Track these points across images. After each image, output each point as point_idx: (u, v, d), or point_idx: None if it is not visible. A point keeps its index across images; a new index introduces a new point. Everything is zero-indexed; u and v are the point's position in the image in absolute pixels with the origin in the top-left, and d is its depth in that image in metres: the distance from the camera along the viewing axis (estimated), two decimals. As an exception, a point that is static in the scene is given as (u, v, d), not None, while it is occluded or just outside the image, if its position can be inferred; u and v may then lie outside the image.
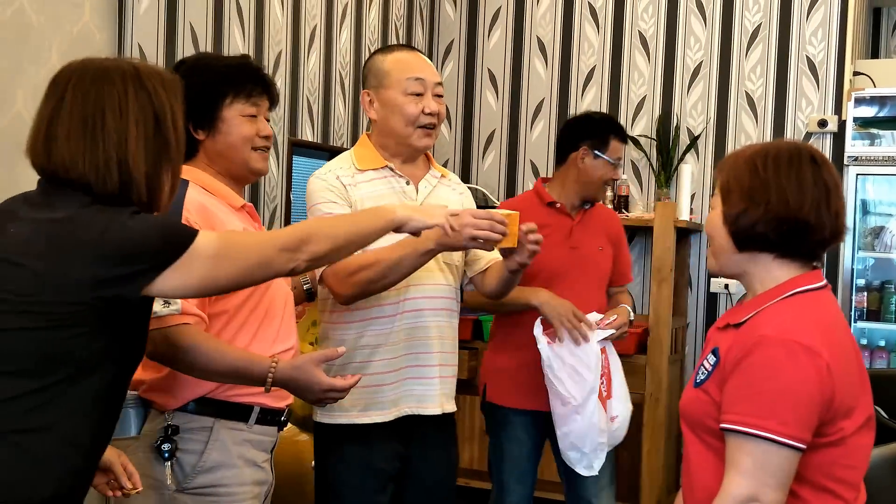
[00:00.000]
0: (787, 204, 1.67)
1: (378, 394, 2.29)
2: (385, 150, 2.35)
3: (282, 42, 3.80)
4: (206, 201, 1.94)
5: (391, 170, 2.33)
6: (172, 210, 1.84)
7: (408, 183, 2.34)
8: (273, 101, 2.10)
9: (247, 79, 2.03)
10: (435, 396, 2.33)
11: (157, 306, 1.77)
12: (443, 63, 5.06)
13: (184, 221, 1.84)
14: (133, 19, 3.05)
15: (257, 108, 2.03)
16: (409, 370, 2.31)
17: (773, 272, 1.72)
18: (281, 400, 2.01)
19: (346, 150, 4.35)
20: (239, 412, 1.95)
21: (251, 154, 2.03)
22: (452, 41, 5.07)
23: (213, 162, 2.02)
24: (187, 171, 1.98)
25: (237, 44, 3.54)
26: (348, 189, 2.28)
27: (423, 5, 4.95)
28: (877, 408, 2.99)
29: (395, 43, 2.42)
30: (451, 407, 2.40)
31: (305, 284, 2.42)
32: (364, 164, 2.33)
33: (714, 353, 1.69)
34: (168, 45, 3.21)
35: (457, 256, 2.38)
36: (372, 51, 4.43)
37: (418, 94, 2.29)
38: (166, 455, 1.87)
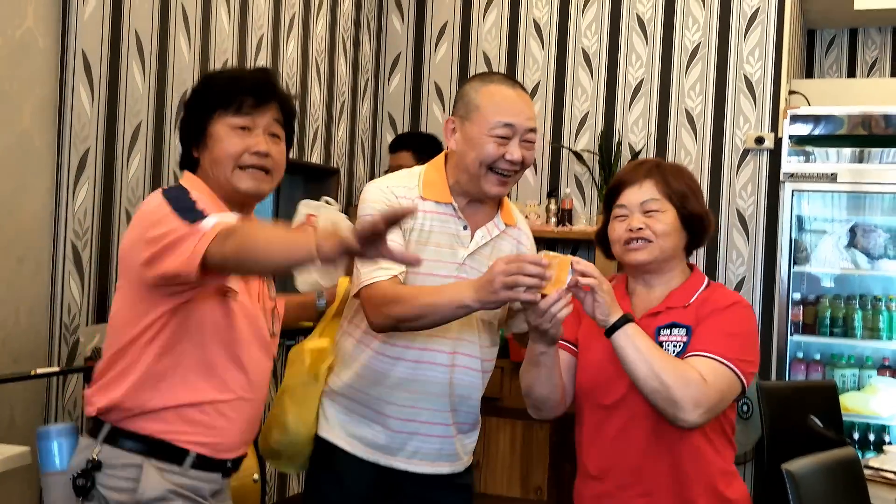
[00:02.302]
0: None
1: (425, 442, 2.18)
2: (455, 184, 2.16)
3: (228, 51, 3.77)
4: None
5: (453, 209, 2.15)
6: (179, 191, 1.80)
7: (465, 228, 2.16)
8: (286, 116, 1.95)
9: (237, 90, 1.88)
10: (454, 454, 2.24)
11: (208, 223, 1.68)
12: (389, 76, 5.07)
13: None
14: (77, 25, 3.00)
15: (251, 119, 1.87)
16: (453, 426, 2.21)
17: (684, 265, 2.02)
18: (225, 451, 1.89)
19: (289, 161, 4.34)
20: (173, 454, 1.83)
21: (235, 173, 1.86)
22: (399, 54, 5.08)
23: (207, 181, 1.90)
24: (190, 180, 1.91)
25: (183, 52, 3.50)
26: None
27: (371, 18, 4.96)
28: (812, 417, 3.09)
29: (496, 72, 2.06)
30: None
31: (320, 300, 2.31)
32: (428, 194, 2.15)
33: (678, 326, 1.92)
34: (112, 52, 3.17)
35: (488, 316, 2.19)
36: (318, 62, 4.43)
37: (504, 138, 2.08)
38: (79, 490, 1.78)
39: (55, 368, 2.74)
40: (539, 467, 4.02)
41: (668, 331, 1.93)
